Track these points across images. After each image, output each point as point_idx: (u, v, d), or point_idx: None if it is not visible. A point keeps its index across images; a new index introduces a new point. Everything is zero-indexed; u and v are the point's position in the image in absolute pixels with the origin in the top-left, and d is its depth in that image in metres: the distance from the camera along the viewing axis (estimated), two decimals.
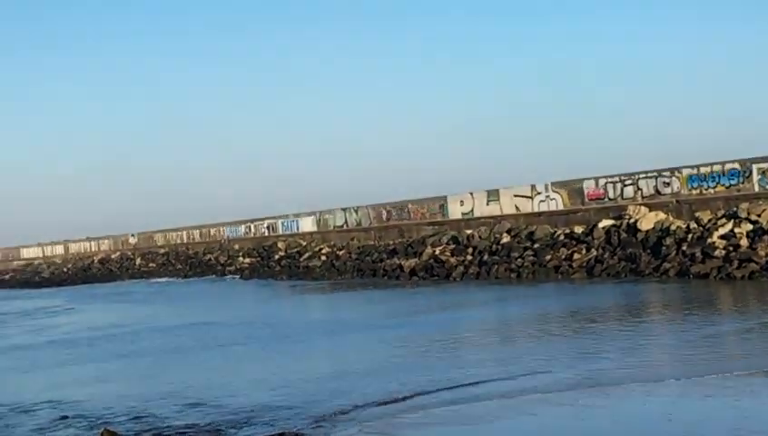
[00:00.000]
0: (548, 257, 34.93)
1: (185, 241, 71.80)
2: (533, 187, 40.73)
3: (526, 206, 40.70)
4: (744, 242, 28.67)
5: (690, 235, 30.87)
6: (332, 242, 52.21)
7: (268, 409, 13.30)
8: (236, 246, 62.94)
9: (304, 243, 55.07)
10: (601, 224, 34.92)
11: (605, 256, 32.96)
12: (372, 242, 48.65)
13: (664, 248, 31.05)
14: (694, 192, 33.91)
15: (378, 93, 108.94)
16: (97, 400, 15.22)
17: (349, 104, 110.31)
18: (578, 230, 35.91)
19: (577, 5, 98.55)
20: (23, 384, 18.27)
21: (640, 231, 32.98)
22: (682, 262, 29.59)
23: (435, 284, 36.60)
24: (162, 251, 72.29)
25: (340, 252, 49.41)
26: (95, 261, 77.29)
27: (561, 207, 39.05)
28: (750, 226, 29.28)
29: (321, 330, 23.67)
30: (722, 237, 29.48)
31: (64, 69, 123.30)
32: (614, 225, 34.45)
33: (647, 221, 33.21)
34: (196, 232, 70.87)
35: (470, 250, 39.40)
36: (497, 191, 42.63)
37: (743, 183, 32.23)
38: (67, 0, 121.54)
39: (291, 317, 28.45)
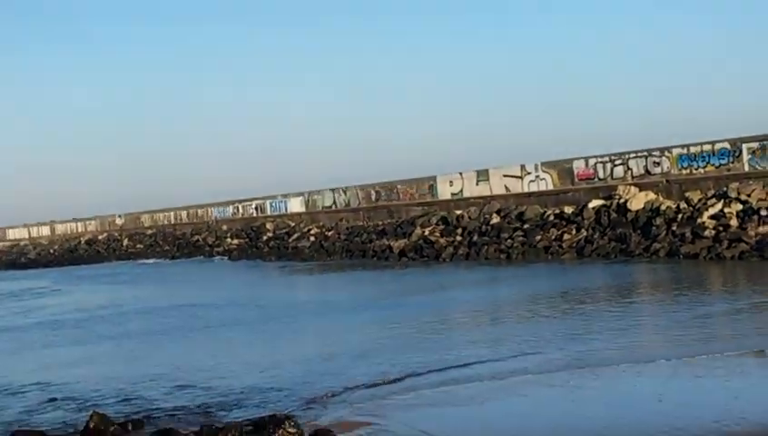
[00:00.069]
0: (538, 237, 34.91)
1: (172, 222, 71.55)
2: (522, 167, 40.68)
3: (516, 186, 40.66)
4: (734, 222, 28.72)
5: (680, 215, 30.89)
6: (321, 223, 52.10)
7: (258, 391, 13.22)
8: (224, 227, 62.75)
9: (293, 224, 54.93)
10: (591, 205, 34.91)
11: (595, 236, 32.97)
12: (361, 223, 48.56)
13: (654, 228, 31.07)
14: (684, 171, 33.92)
15: (365, 73, 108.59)
16: (85, 382, 15.11)
17: (337, 85, 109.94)
18: (568, 210, 35.90)
19: None
20: (10, 366, 18.12)
21: (630, 211, 32.99)
22: (672, 243, 29.62)
23: (424, 265, 36.56)
24: (149, 232, 72.03)
25: (329, 233, 49.32)
26: (82, 242, 76.98)
27: (551, 187, 39.02)
28: (740, 206, 29.32)
29: (311, 311, 23.60)
30: (712, 217, 29.52)
31: (48, 48, 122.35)
32: (604, 205, 34.44)
33: (637, 201, 33.22)
34: (183, 213, 70.61)
35: (460, 230, 39.36)
36: (487, 171, 42.57)
37: (733, 162, 32.25)
38: None
39: (280, 298, 28.35)
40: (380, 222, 46.45)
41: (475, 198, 42.20)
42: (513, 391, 12.18)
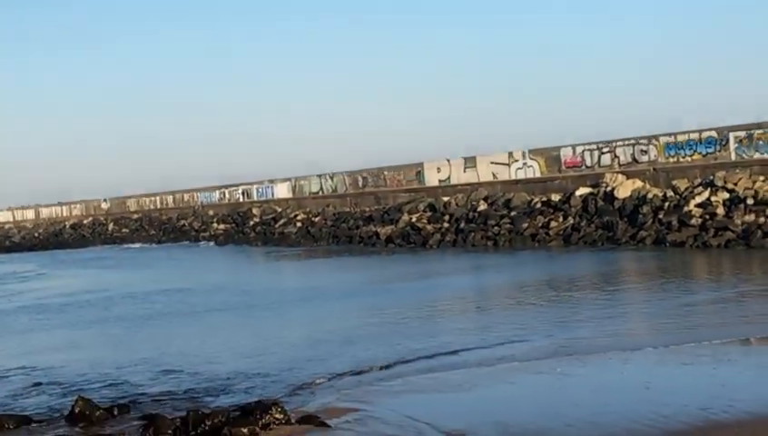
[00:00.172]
0: (525, 225, 34.94)
1: (158, 206, 71.25)
2: (510, 154, 40.67)
3: (504, 174, 40.66)
4: (721, 210, 28.80)
5: (667, 203, 30.97)
6: (308, 209, 52.01)
7: (244, 376, 13.17)
8: (210, 212, 62.55)
9: (279, 210, 54.81)
10: (578, 192, 34.95)
11: (582, 224, 33.03)
12: (348, 209, 48.49)
13: (640, 216, 31.14)
14: (671, 160, 33.99)
15: (354, 58, 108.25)
16: (71, 366, 15.01)
17: (324, 70, 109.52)
18: (555, 198, 35.93)
19: None
20: None
21: (617, 199, 33.04)
22: (658, 231, 29.70)
23: (411, 252, 36.55)
24: (134, 216, 71.72)
25: (316, 219, 49.24)
26: (67, 226, 76.61)
27: (538, 175, 39.04)
28: (726, 195, 29.40)
29: (297, 297, 23.53)
30: (698, 205, 29.60)
31: (37, 32, 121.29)
32: (591, 193, 34.48)
33: (624, 189, 33.28)
34: (169, 198, 70.33)
35: (447, 217, 39.36)
36: (474, 158, 42.55)
37: (719, 151, 32.33)
38: None
39: (267, 284, 28.29)
40: (367, 209, 46.40)
41: (462, 185, 42.18)
42: (500, 378, 12.17)
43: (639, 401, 10.28)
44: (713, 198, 29.55)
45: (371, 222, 43.44)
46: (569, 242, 32.45)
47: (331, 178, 52.79)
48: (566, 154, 38.23)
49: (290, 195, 56.33)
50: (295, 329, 18.29)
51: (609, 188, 33.87)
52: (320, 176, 53.92)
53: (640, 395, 10.57)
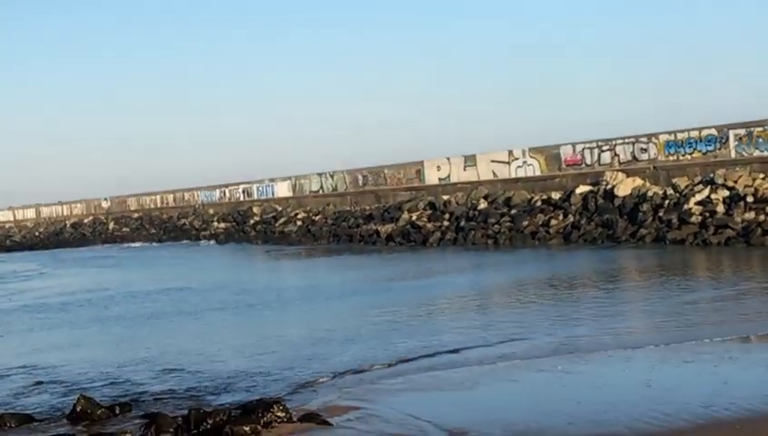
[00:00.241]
0: (525, 223, 34.94)
1: (159, 205, 71.25)
2: (510, 153, 40.67)
3: (504, 172, 40.65)
4: (721, 208, 28.81)
5: (666, 201, 30.97)
6: (308, 208, 52.02)
7: (246, 375, 13.17)
8: (211, 211, 62.55)
9: (279, 208, 54.82)
10: (578, 190, 34.95)
11: (582, 222, 33.03)
12: (348, 208, 48.50)
13: (640, 214, 31.15)
14: (670, 158, 33.99)
15: (354, 58, 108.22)
16: (72, 365, 15.01)
17: (324, 69, 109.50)
18: (555, 196, 35.93)
19: None
20: None
21: (617, 197, 33.05)
22: (658, 229, 29.72)
23: (411, 250, 36.55)
24: (135, 215, 71.73)
25: (316, 218, 49.24)
26: (68, 225, 76.61)
27: (538, 173, 39.04)
28: (726, 192, 29.41)
29: (298, 296, 23.53)
30: (698, 203, 29.61)
31: (31, 31, 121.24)
32: (591, 191, 34.49)
33: (624, 187, 33.28)
34: (170, 197, 70.32)
35: (447, 215, 39.36)
36: (474, 156, 42.53)
37: (719, 149, 32.33)
38: None
39: (268, 283, 28.28)
40: (367, 207, 46.40)
41: (462, 183, 42.18)
42: (502, 376, 12.17)
43: (641, 398, 10.28)
44: (713, 196, 29.56)
45: (371, 220, 43.45)
46: (569, 240, 32.46)
47: (332, 177, 52.79)
48: (566, 153, 38.23)
49: (290, 194, 56.33)
50: (296, 327, 18.27)
51: (609, 186, 33.88)
52: (320, 175, 53.92)
53: (642, 393, 10.57)
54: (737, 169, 30.39)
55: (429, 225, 39.19)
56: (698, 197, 29.87)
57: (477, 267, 28.63)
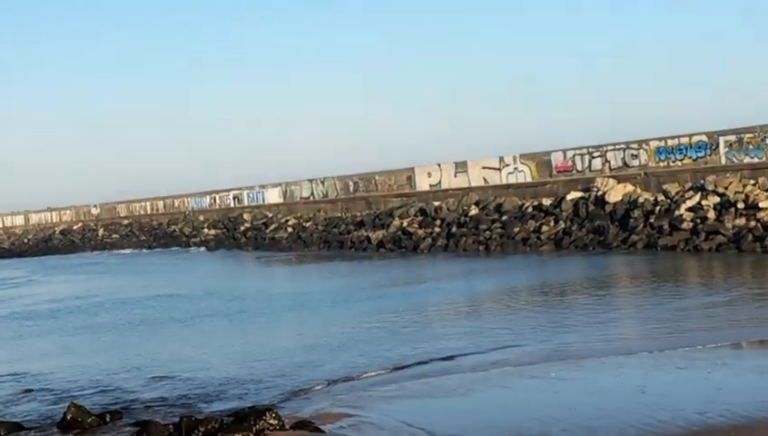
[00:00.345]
0: (516, 229, 34.94)
1: (149, 212, 71.06)
2: (501, 159, 40.69)
3: (495, 178, 40.67)
4: (711, 214, 28.85)
5: (658, 208, 31.01)
6: (299, 214, 51.93)
7: (238, 382, 13.09)
8: (201, 217, 62.40)
9: (270, 215, 54.72)
10: (569, 197, 34.97)
11: (573, 228, 33.04)
12: (339, 214, 48.43)
13: (631, 220, 31.17)
14: (661, 164, 34.04)
15: (345, 63, 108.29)
16: (62, 373, 14.90)
17: (314, 74, 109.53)
18: (546, 202, 35.93)
19: None
20: None
21: (608, 203, 33.07)
22: (650, 235, 29.74)
23: (402, 256, 36.51)
24: (125, 222, 71.51)
25: (307, 224, 49.16)
26: (57, 232, 76.30)
27: (529, 179, 39.05)
28: (717, 199, 29.45)
29: (289, 303, 23.44)
30: (689, 210, 29.64)
31: (23, 37, 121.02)
32: (582, 198, 34.50)
33: (615, 193, 33.31)
34: (160, 203, 70.15)
35: (438, 222, 39.33)
36: (465, 163, 42.55)
37: (710, 155, 32.39)
38: None
39: (258, 289, 28.18)
40: (358, 214, 46.34)
41: (453, 190, 42.18)
42: (495, 383, 12.13)
43: (635, 405, 10.24)
44: (703, 202, 29.61)
45: (362, 226, 43.39)
46: (560, 246, 32.46)
47: (322, 183, 52.73)
48: (556, 159, 38.27)
49: (281, 200, 56.23)
50: (288, 334, 18.21)
51: (600, 192, 33.91)
52: (310, 181, 53.86)
53: (636, 399, 10.53)
54: (728, 175, 30.45)
55: (420, 232, 39.15)
56: (689, 203, 29.91)
57: (469, 274, 28.60)
